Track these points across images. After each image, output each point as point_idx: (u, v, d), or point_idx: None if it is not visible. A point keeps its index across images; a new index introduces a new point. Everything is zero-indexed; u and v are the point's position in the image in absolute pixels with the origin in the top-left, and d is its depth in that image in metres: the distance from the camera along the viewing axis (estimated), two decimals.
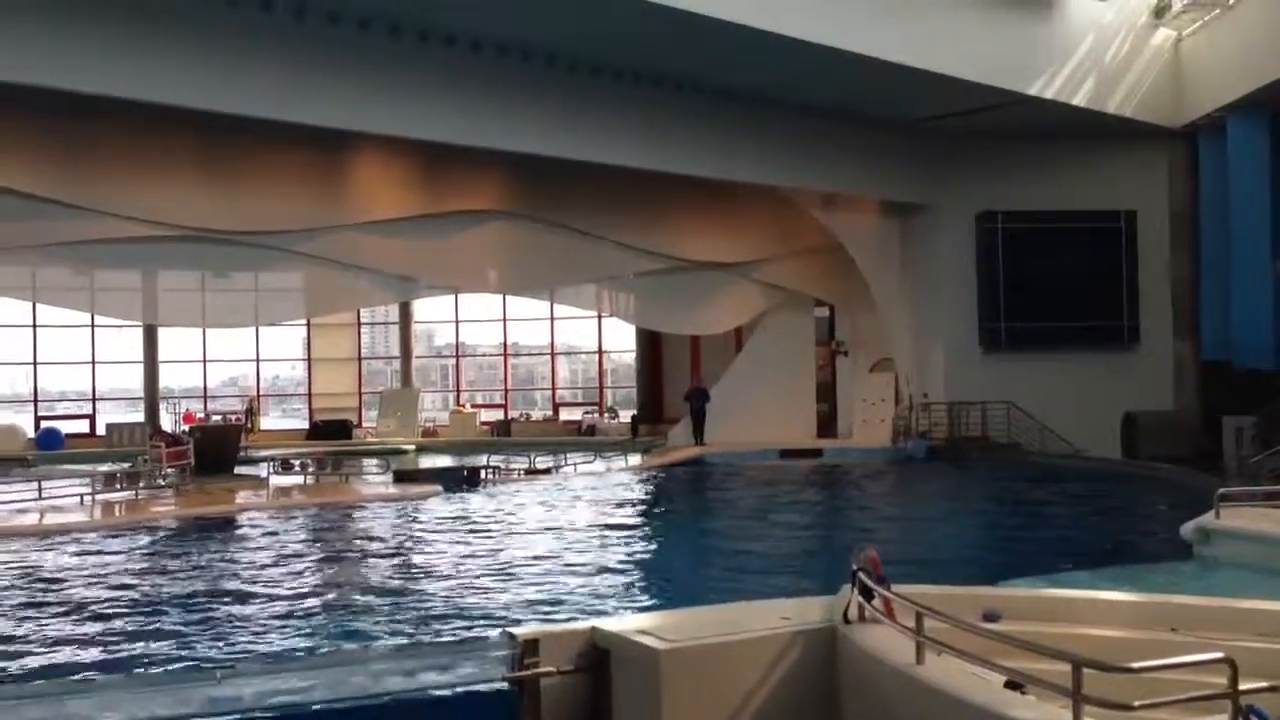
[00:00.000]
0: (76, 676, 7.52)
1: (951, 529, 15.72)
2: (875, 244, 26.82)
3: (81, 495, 17.25)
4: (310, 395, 33.94)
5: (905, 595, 4.72)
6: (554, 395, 35.43)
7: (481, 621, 9.00)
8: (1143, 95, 23.83)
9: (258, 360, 33.56)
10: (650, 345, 32.93)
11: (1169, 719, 3.50)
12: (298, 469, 20.74)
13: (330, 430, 30.84)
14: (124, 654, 8.27)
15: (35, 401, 31.03)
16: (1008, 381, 24.75)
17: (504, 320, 34.45)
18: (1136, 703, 3.39)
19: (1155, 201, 25.26)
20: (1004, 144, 24.61)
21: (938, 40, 20.51)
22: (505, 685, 5.10)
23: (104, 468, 20.47)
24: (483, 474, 20.70)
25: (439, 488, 19.09)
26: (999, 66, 21.47)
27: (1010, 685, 3.96)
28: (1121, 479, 20.69)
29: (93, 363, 31.29)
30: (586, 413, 33.94)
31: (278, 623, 9.23)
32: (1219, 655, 3.57)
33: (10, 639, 8.74)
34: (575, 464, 22.82)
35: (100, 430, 30.35)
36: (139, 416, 30.53)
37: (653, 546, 14.26)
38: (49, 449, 27.98)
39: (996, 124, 23.60)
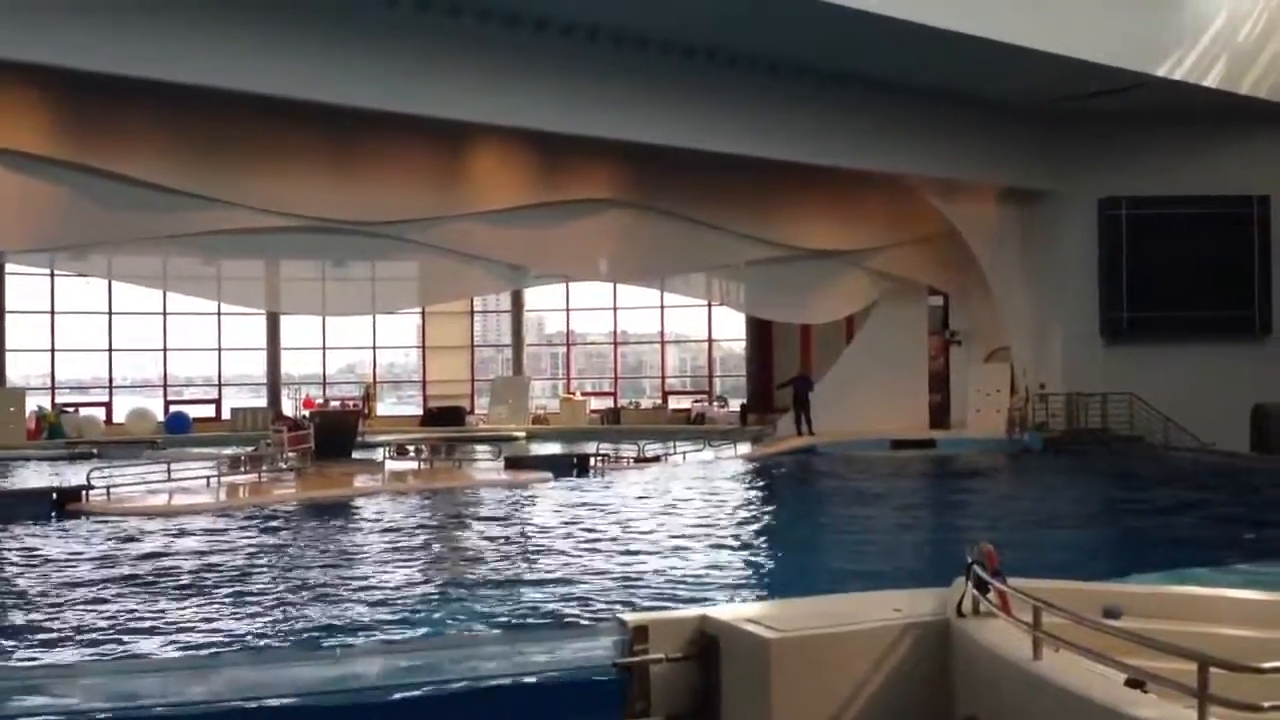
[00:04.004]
0: (201, 653, 7.81)
1: (1070, 523, 15.32)
2: (993, 231, 26.24)
3: (208, 477, 17.87)
4: (424, 382, 34.62)
5: (1022, 590, 4.61)
6: (663, 383, 35.52)
7: (591, 607, 9.08)
8: (1277, 75, 22.86)
9: (374, 348, 34.34)
10: (760, 334, 32.79)
11: None
12: (412, 454, 21.16)
13: (443, 417, 31.40)
14: (246, 632, 8.55)
15: (165, 386, 32.23)
16: (1130, 372, 24.03)
17: (614, 308, 34.63)
18: (1266, 703, 3.27)
19: None
20: (1131, 127, 23.85)
21: (1062, 21, 19.94)
22: (615, 671, 5.13)
23: (228, 451, 21.16)
24: (592, 461, 20.85)
25: (549, 474, 19.29)
26: (1127, 47, 20.81)
27: (1131, 684, 3.84)
28: (1250, 473, 19.92)
29: (219, 349, 32.37)
30: (695, 401, 33.94)
31: (393, 604, 9.43)
32: None
33: (140, 616, 9.10)
34: (684, 452, 22.84)
35: (225, 415, 31.43)
36: (262, 401, 31.53)
37: (763, 535, 14.20)
38: (177, 432, 29.04)
39: (1123, 107, 22.89)
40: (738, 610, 5.51)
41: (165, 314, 31.34)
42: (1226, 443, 22.18)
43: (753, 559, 12.25)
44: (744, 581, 10.61)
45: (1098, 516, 16.28)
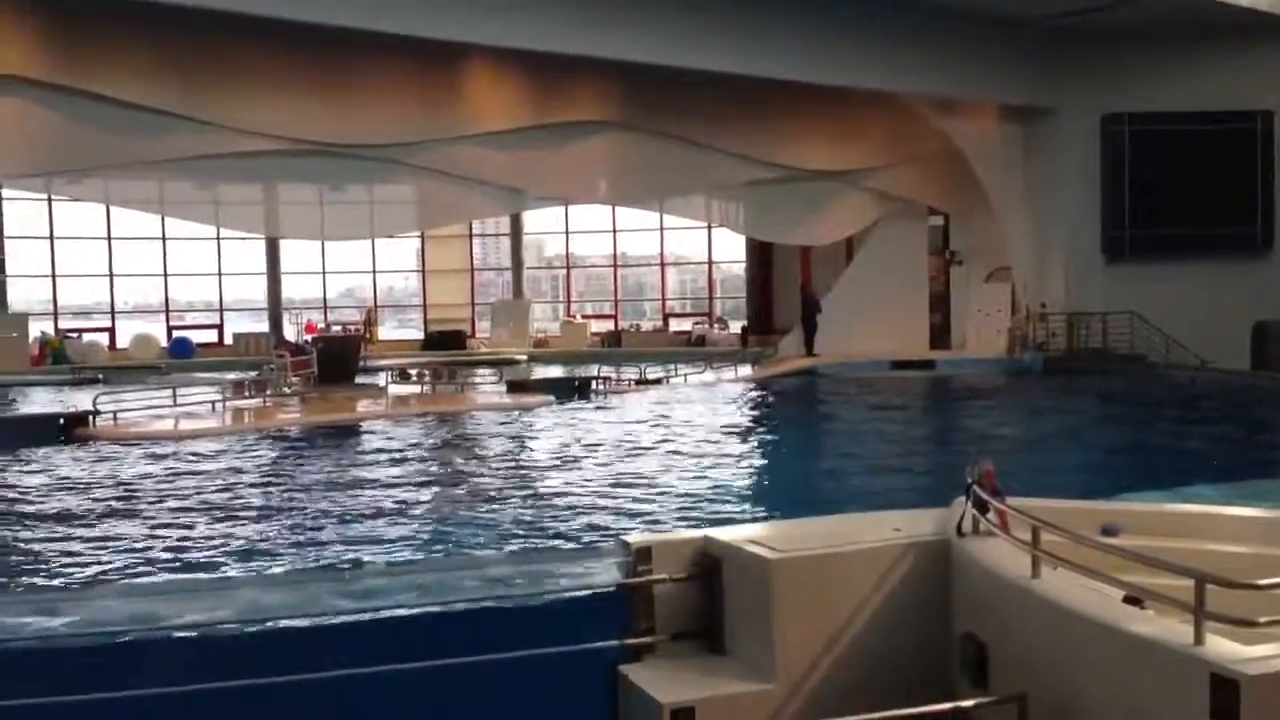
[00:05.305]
0: (211, 575, 7.91)
1: (1069, 442, 15.42)
2: (995, 149, 25.99)
3: (212, 402, 17.94)
4: (425, 306, 34.58)
5: (1021, 509, 4.66)
6: (664, 306, 35.50)
7: (595, 529, 9.18)
8: None
9: (374, 272, 34.25)
10: (760, 255, 32.67)
11: None
12: (415, 378, 21.22)
13: (444, 341, 31.44)
14: (255, 555, 8.66)
15: (167, 311, 32.22)
16: (1132, 291, 23.97)
17: (614, 231, 34.46)
18: (1262, 619, 3.33)
19: None
20: (1133, 42, 23.50)
21: None
22: (619, 591, 5.21)
23: (232, 376, 21.22)
24: (593, 384, 20.90)
25: (551, 397, 19.35)
26: None
27: (1129, 600, 3.90)
28: (1252, 391, 19.98)
29: (219, 274, 32.28)
30: (696, 323, 33.95)
31: (399, 527, 9.54)
32: None
33: (150, 538, 9.21)
34: (685, 374, 22.90)
35: (228, 340, 31.48)
36: (263, 326, 31.54)
37: (764, 457, 14.31)
38: (180, 357, 29.11)
39: (1125, 21, 22.54)
40: (740, 531, 5.56)
41: (164, 239, 31.18)
42: (1227, 360, 22.21)
43: (754, 480, 12.35)
44: (746, 502, 10.71)
45: (1098, 436, 16.38)
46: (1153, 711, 3.49)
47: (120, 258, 31.26)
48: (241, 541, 9.09)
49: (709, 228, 33.17)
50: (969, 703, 4.22)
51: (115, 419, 16.32)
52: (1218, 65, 23.76)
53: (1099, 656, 3.72)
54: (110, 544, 9.02)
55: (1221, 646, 3.32)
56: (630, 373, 22.59)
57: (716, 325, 33.56)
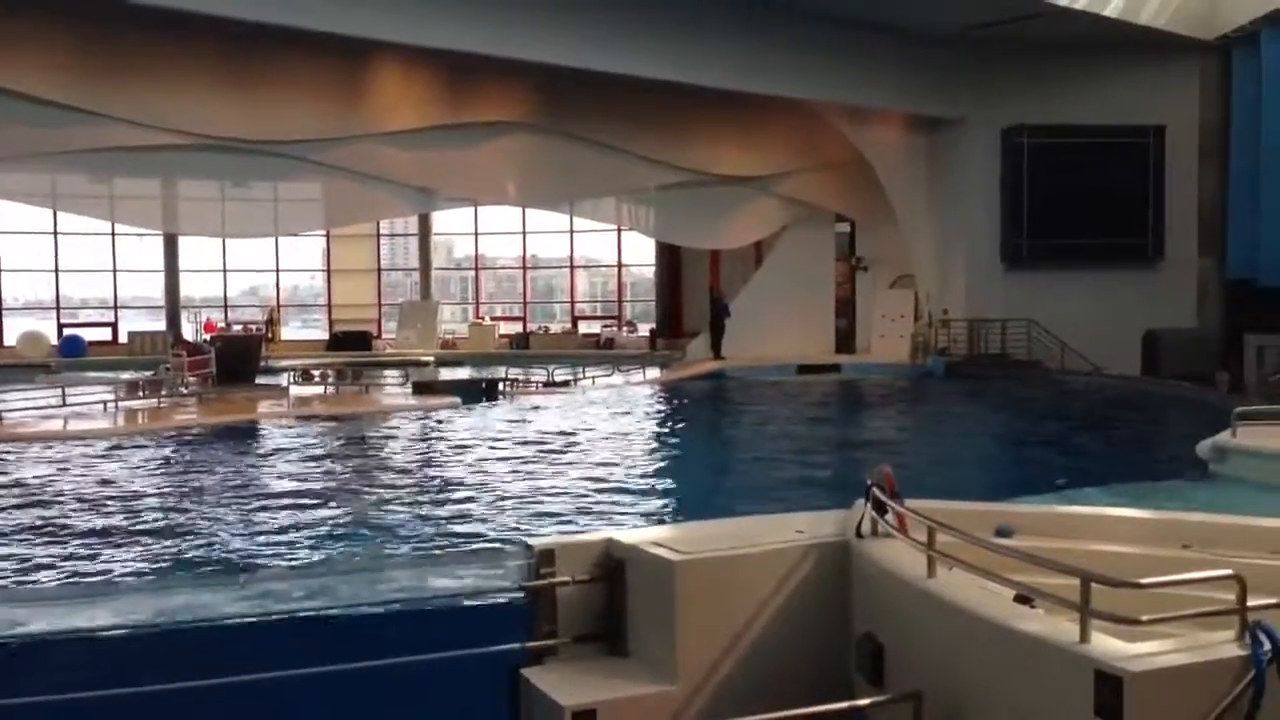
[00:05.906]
0: (100, 580, 7.68)
1: (968, 445, 15.76)
2: (900, 158, 26.48)
3: (104, 402, 17.43)
4: (330, 306, 34.07)
5: (918, 510, 4.73)
6: (573, 308, 35.44)
7: (498, 531, 9.12)
8: (1176, 6, 23.25)
9: (277, 270, 33.62)
10: (669, 259, 32.81)
11: (1176, 634, 3.53)
12: (318, 379, 20.88)
13: (350, 341, 31.01)
14: (147, 559, 8.43)
15: (58, 308, 31.24)
16: (1030, 298, 24.59)
17: (523, 233, 34.33)
18: (1144, 617, 3.42)
19: (1185, 116, 24.76)
20: (1035, 57, 24.09)
21: None
22: (521, 594, 5.18)
23: (126, 375, 20.62)
24: (501, 386, 20.79)
25: (457, 399, 19.19)
26: None
27: (1020, 599, 3.99)
28: (1141, 396, 20.63)
29: (114, 271, 31.40)
30: (605, 326, 33.98)
31: (298, 530, 9.37)
32: (1227, 572, 3.58)
33: (35, 544, 8.90)
34: (593, 377, 22.89)
35: (122, 338, 30.63)
36: (161, 325, 30.76)
37: (669, 459, 14.35)
38: (71, 355, 28.24)
39: (1028, 36, 23.10)
40: (643, 533, 5.56)
41: (56, 233, 30.25)
42: (1119, 366, 22.92)
43: (659, 483, 12.38)
44: (651, 504, 10.74)
45: (994, 439, 16.76)
46: (1040, 707, 3.56)
47: (9, 252, 30.24)
48: (132, 545, 8.84)
49: (619, 231, 33.24)
50: (865, 701, 4.27)
51: (1, 419, 15.77)
52: (1115, 80, 24.47)
53: (990, 654, 3.79)
54: None
55: (1106, 644, 3.40)
56: (538, 375, 22.52)
57: (625, 328, 33.63)
